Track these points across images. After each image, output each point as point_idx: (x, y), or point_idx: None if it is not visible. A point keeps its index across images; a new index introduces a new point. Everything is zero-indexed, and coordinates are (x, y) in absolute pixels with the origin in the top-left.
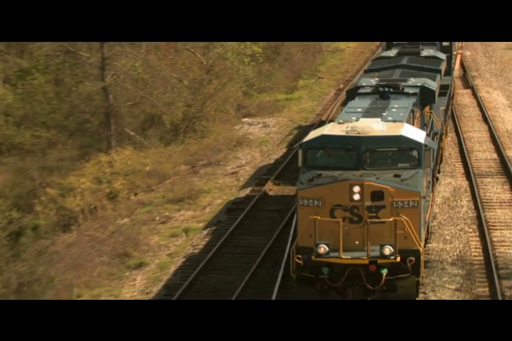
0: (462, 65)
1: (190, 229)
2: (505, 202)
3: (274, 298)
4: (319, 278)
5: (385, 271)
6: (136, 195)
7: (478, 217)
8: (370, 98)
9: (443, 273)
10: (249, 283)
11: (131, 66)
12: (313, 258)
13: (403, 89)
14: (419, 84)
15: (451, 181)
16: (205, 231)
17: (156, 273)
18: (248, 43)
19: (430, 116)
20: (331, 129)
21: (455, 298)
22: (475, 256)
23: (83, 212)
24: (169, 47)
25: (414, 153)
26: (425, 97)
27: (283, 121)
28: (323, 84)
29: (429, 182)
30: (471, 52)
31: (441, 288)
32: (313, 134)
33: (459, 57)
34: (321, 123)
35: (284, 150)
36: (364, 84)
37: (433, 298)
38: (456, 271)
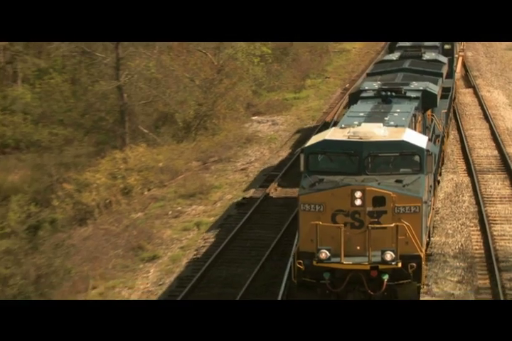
0: (464, 65)
1: (202, 223)
2: (505, 198)
3: (281, 290)
4: (320, 284)
5: (386, 277)
6: (149, 190)
7: (480, 212)
8: (372, 102)
9: (445, 265)
10: (258, 275)
11: (144, 66)
12: (314, 263)
13: (405, 93)
14: (421, 88)
15: (453, 177)
16: (216, 225)
17: (169, 266)
18: (257, 44)
19: (432, 119)
20: (333, 134)
21: (457, 290)
22: (476, 249)
23: (98, 206)
24: (181, 48)
25: (416, 158)
26: (427, 101)
27: (291, 119)
28: (330, 83)
29: (431, 186)
30: (473, 52)
31: (443, 280)
32: (315, 139)
33: (460, 59)
34: (325, 125)
35: (292, 147)
36: (366, 87)
37: (435, 289)
38: (457, 263)
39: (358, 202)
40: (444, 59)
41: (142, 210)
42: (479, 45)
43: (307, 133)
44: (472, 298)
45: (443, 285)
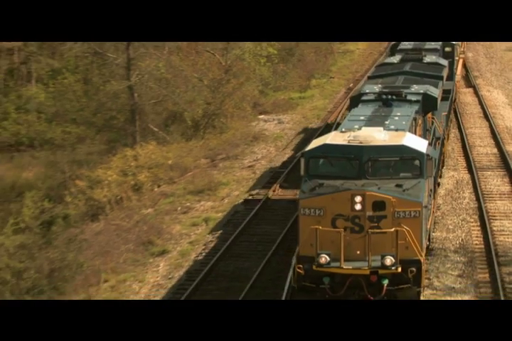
0: (465, 65)
1: (210, 218)
2: (504, 194)
3: (287, 284)
4: (320, 288)
5: (386, 282)
6: (159, 186)
7: (479, 208)
8: (373, 105)
9: (446, 260)
10: (264, 269)
11: (154, 66)
12: (314, 267)
13: (406, 96)
14: (421, 91)
15: (454, 174)
16: (224, 221)
17: (178, 260)
18: (264, 45)
19: (432, 122)
20: (333, 138)
21: (457, 284)
22: (476, 244)
23: (110, 202)
24: (190, 49)
25: (416, 162)
26: (427, 104)
27: (297, 117)
28: (334, 83)
29: (431, 190)
30: (473, 53)
31: (444, 274)
32: (315, 143)
33: (461, 61)
34: (327, 126)
35: (298, 145)
36: (367, 91)
37: (437, 283)
38: (458, 258)
39: (358, 207)
40: (445, 62)
41: (152, 206)
42: (479, 46)
43: (312, 131)
44: (472, 291)
45: (444, 279)
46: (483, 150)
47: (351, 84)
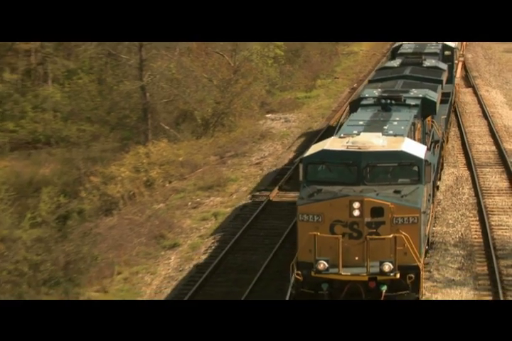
0: (464, 66)
1: (219, 213)
2: (502, 190)
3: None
4: (319, 294)
5: (384, 288)
6: (170, 182)
7: (478, 203)
8: (372, 110)
9: (446, 253)
10: (271, 262)
11: (166, 67)
12: (312, 274)
13: (405, 100)
14: (420, 95)
15: (453, 171)
16: (232, 216)
17: (188, 253)
18: (271, 47)
19: (432, 125)
20: (331, 144)
21: (457, 276)
22: (475, 238)
23: (123, 198)
24: (200, 50)
25: (415, 168)
26: (426, 108)
27: (302, 116)
28: (339, 83)
29: (430, 195)
30: (473, 54)
31: (444, 266)
32: (314, 149)
33: (460, 64)
34: (329, 129)
35: (304, 143)
36: (367, 95)
37: (437, 275)
38: (458, 251)
39: (357, 213)
40: (444, 66)
41: (164, 201)
42: (478, 48)
43: (317, 129)
44: (471, 284)
45: (444, 271)
46: (482, 147)
47: (355, 84)
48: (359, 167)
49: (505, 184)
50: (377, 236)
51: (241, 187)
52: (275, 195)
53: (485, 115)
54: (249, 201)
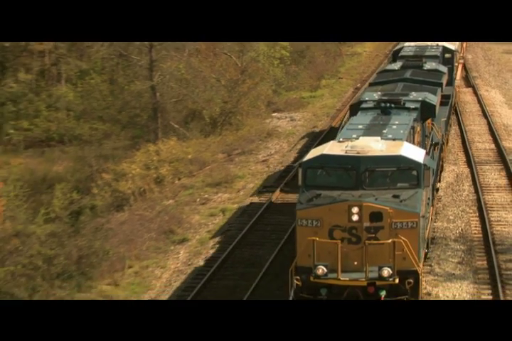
0: (464, 67)
1: (227, 209)
2: (501, 187)
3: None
4: (317, 299)
5: (383, 293)
6: (179, 179)
7: (478, 200)
8: (371, 113)
9: (447, 248)
10: (277, 256)
11: (175, 67)
12: (311, 279)
13: (404, 104)
14: (420, 98)
15: (454, 168)
16: (240, 211)
17: (197, 248)
18: (277, 48)
19: (432, 128)
20: (330, 148)
21: (457, 270)
22: (475, 233)
23: (134, 194)
24: (209, 51)
25: (414, 172)
26: (426, 112)
27: (307, 115)
28: (343, 83)
29: (429, 198)
30: (473, 55)
31: (445, 261)
32: (313, 153)
33: (460, 66)
34: (332, 130)
35: (309, 141)
36: (367, 98)
37: (438, 269)
38: (458, 246)
39: (355, 218)
40: (444, 69)
41: (173, 198)
42: (478, 49)
43: (321, 130)
44: (471, 277)
45: (444, 265)
46: (482, 145)
47: (359, 84)
48: (358, 171)
49: (504, 181)
50: (375, 241)
51: (248, 183)
52: (280, 191)
53: (484, 114)
54: (256, 197)
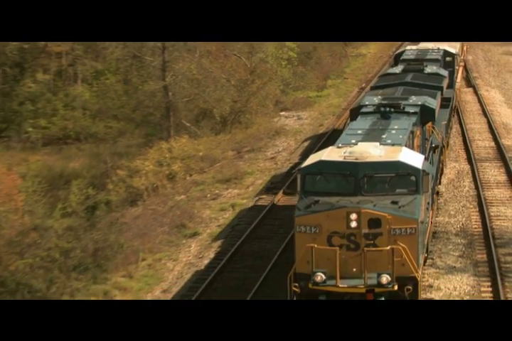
0: (465, 67)
1: (236, 204)
2: (501, 183)
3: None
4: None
5: (382, 300)
6: (191, 175)
7: (478, 195)
8: (371, 118)
9: (448, 242)
10: (285, 249)
11: (187, 68)
12: (310, 286)
13: (404, 108)
14: (419, 102)
15: (455, 165)
16: (249, 206)
17: (208, 241)
18: (285, 49)
19: (432, 131)
20: (329, 154)
21: (458, 263)
22: (475, 228)
23: (147, 190)
24: (219, 53)
25: (412, 178)
26: (425, 116)
27: (314, 114)
28: (348, 83)
29: (428, 203)
30: (473, 56)
31: (446, 254)
32: (311, 159)
33: (461, 69)
34: (335, 132)
35: (315, 139)
36: (367, 103)
37: (439, 262)
38: (459, 240)
39: (354, 224)
40: (445, 72)
41: (185, 193)
42: (479, 50)
43: (328, 126)
44: (471, 270)
45: (446, 259)
46: (482, 143)
47: (363, 84)
48: (356, 178)
49: (503, 177)
50: (374, 248)
51: (257, 180)
52: (288, 187)
53: (484, 113)
54: (265, 193)
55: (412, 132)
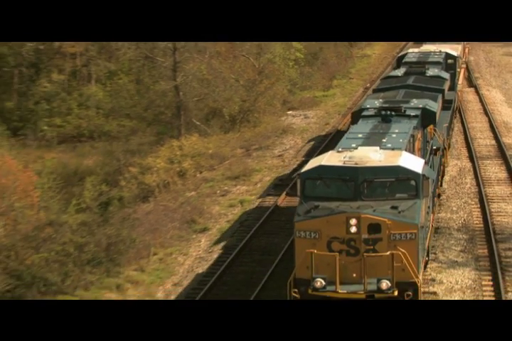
0: (467, 68)
1: (245, 200)
2: (501, 180)
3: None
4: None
5: None
6: (201, 173)
7: (480, 192)
8: (372, 121)
9: (450, 237)
10: (292, 244)
11: (197, 69)
12: (309, 292)
13: (405, 111)
14: (420, 106)
15: (457, 163)
16: (257, 203)
17: (217, 236)
18: (292, 50)
19: (433, 133)
20: (328, 159)
21: (460, 258)
22: (476, 223)
23: (158, 186)
24: (228, 54)
25: (412, 183)
26: (426, 119)
27: (320, 113)
28: (353, 83)
29: (429, 207)
30: (475, 57)
31: (448, 249)
32: (311, 164)
33: (462, 71)
34: (338, 133)
35: (321, 137)
36: (368, 106)
37: (442, 257)
38: (461, 235)
39: (353, 230)
40: (446, 75)
41: (195, 190)
42: (480, 51)
43: (334, 125)
44: (472, 264)
45: (448, 253)
46: (483, 141)
47: (368, 84)
48: (356, 182)
49: (504, 174)
50: (374, 254)
51: (265, 177)
52: (295, 184)
53: (486, 112)
54: (272, 189)
55: (412, 136)
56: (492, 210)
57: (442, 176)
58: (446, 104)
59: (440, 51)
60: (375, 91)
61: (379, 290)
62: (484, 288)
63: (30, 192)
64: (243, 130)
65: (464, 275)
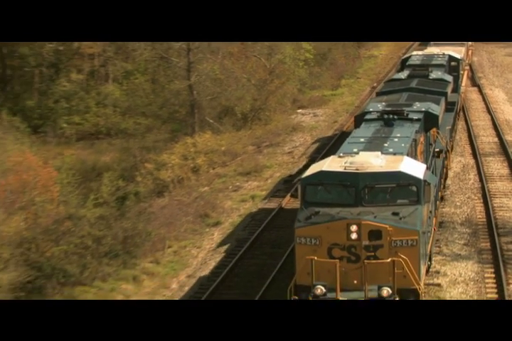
0: (471, 68)
1: (256, 195)
2: (503, 176)
3: None
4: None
5: None
6: (214, 169)
7: (482, 188)
8: (374, 125)
9: (454, 231)
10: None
11: (210, 69)
12: (310, 299)
13: (407, 115)
14: (423, 109)
15: (461, 159)
16: (268, 198)
17: (229, 230)
18: (302, 51)
19: (436, 136)
20: (329, 164)
21: (463, 251)
22: (479, 218)
23: (173, 182)
24: (240, 54)
25: (413, 188)
26: (429, 122)
27: (329, 111)
28: (361, 83)
29: (431, 211)
30: (478, 57)
31: (452, 242)
32: (312, 169)
33: (465, 73)
34: (343, 134)
35: (330, 134)
36: (371, 109)
37: (446, 250)
38: (464, 229)
39: (354, 236)
40: (449, 78)
41: (208, 185)
42: (483, 52)
43: (342, 123)
44: (475, 257)
45: (452, 247)
46: (486, 139)
47: (375, 84)
48: (357, 188)
49: (506, 171)
50: (375, 261)
51: (275, 173)
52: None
53: (488, 111)
54: (282, 185)
55: (414, 140)
56: (494, 205)
57: (445, 179)
58: (449, 106)
59: (443, 53)
60: (378, 94)
61: (380, 297)
62: (487, 280)
63: (50, 187)
64: (254, 127)
65: (467, 267)
